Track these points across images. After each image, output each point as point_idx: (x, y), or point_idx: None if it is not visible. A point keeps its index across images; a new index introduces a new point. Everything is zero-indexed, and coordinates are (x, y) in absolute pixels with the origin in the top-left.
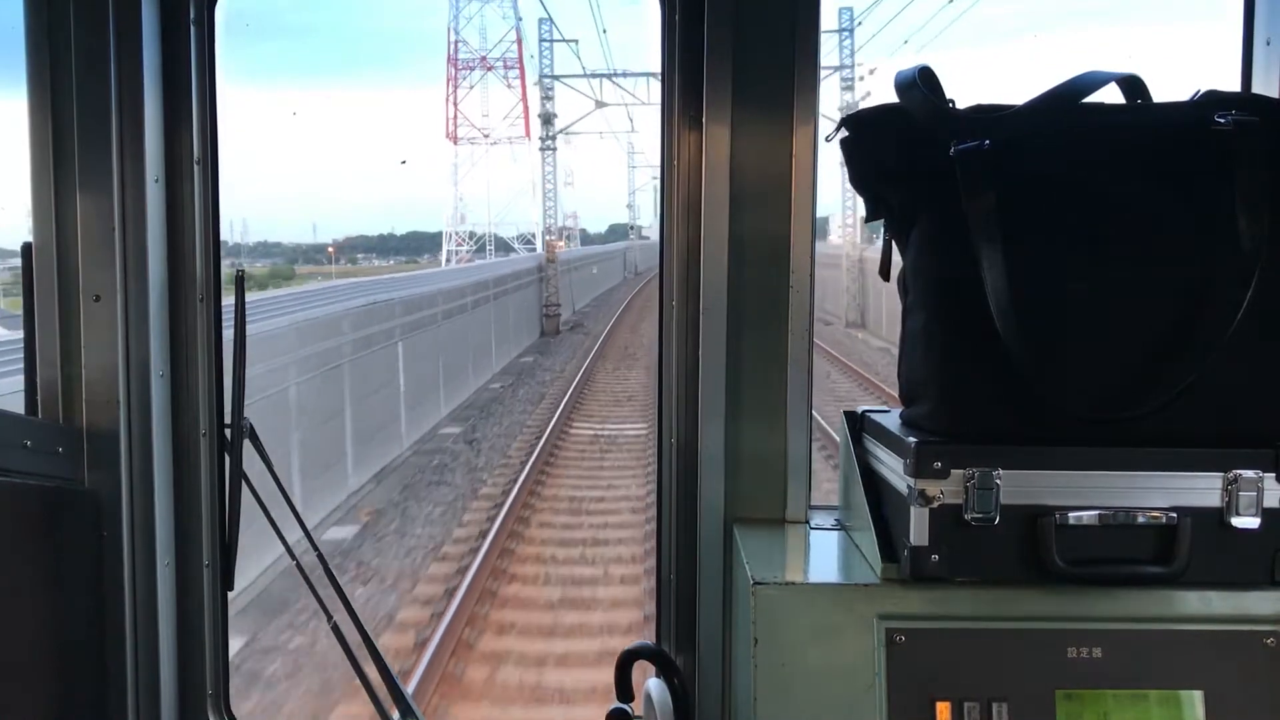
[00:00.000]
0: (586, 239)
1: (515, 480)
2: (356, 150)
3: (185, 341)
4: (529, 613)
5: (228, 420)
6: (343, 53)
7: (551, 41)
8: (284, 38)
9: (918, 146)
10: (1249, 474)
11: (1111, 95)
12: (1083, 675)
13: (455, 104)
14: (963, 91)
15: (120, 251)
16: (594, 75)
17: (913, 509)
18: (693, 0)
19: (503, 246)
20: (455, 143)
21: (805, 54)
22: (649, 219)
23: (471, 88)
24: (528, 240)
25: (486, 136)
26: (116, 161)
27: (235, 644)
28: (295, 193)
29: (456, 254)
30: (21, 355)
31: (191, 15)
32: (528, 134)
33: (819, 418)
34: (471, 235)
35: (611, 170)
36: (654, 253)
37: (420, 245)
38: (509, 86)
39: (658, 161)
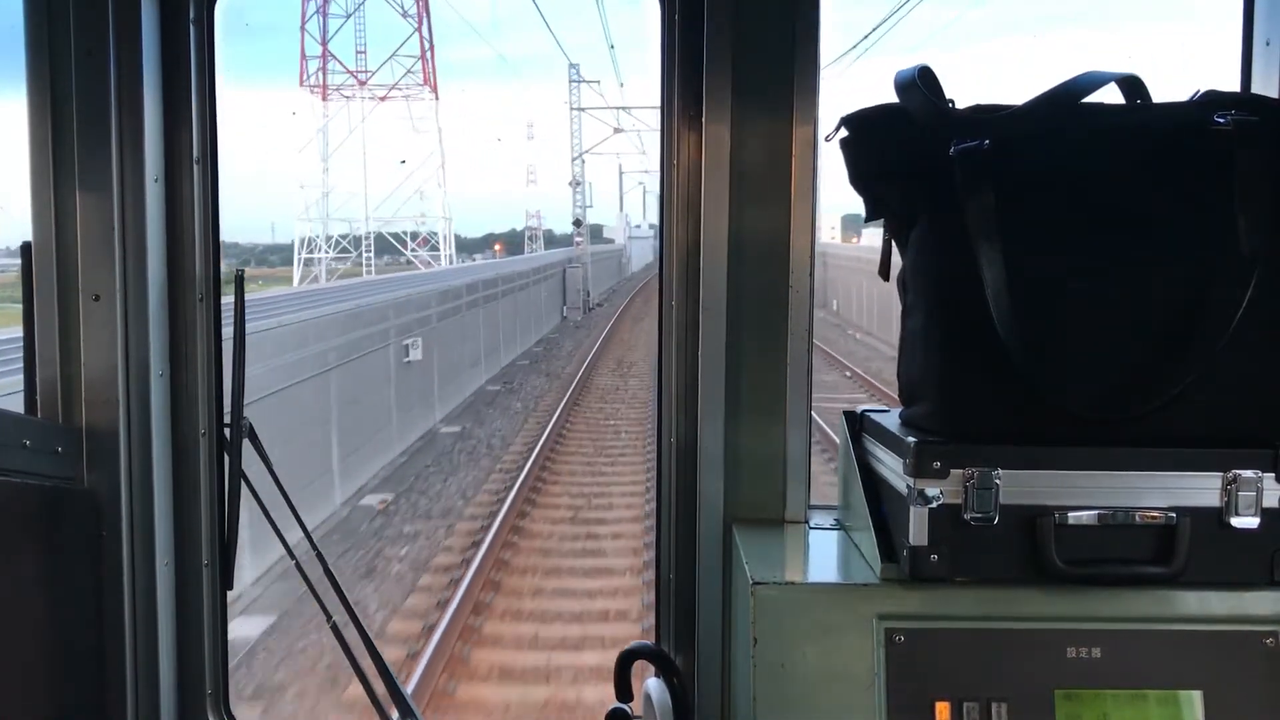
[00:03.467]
0: (552, 240)
1: None
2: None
3: (185, 341)
4: None
5: (227, 420)
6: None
7: None
8: (265, 37)
9: (917, 146)
10: (1248, 474)
11: (1111, 95)
12: (1082, 675)
13: (323, 40)
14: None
15: (120, 251)
16: None
17: (912, 509)
18: (693, 0)
19: (388, 250)
20: (324, 98)
21: (805, 53)
22: (612, 212)
23: (348, 16)
24: (431, 244)
25: (363, 84)
26: (116, 161)
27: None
28: (263, 193)
29: (325, 262)
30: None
31: (191, 15)
32: (429, 84)
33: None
34: (345, 238)
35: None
36: (617, 266)
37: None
38: (404, 16)
39: (622, 100)
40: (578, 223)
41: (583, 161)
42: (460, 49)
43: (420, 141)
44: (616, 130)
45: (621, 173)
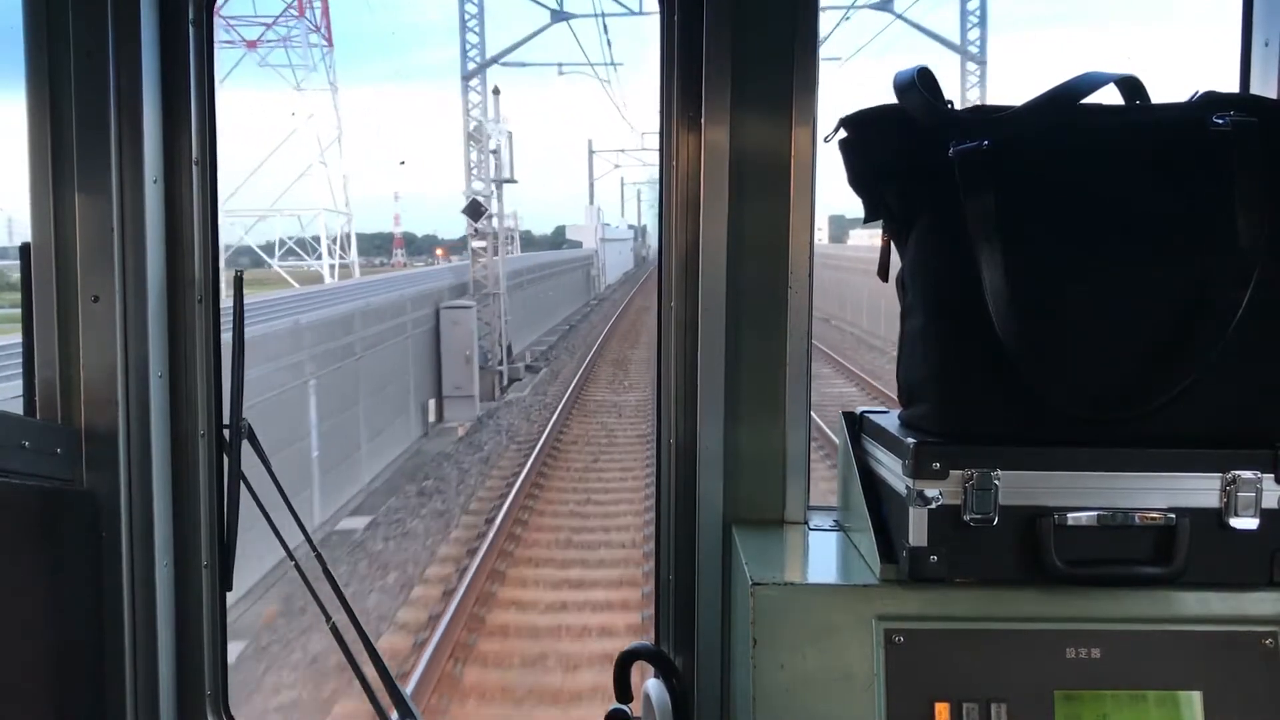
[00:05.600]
0: (530, 242)
1: None
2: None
3: (184, 342)
4: None
5: (226, 421)
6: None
7: None
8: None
9: (916, 147)
10: (1247, 474)
11: (1111, 96)
12: (1081, 676)
13: None
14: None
15: (119, 252)
16: None
17: (911, 510)
18: (692, 1)
19: (243, 254)
20: None
21: (804, 54)
22: (579, 207)
23: None
24: (313, 250)
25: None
26: (115, 162)
27: None
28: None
29: None
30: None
31: (190, 16)
32: (319, 29)
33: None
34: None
35: (562, 159)
36: (583, 281)
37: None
38: None
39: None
40: (475, 209)
41: (491, 91)
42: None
43: (302, 106)
44: (557, 15)
45: (592, 151)
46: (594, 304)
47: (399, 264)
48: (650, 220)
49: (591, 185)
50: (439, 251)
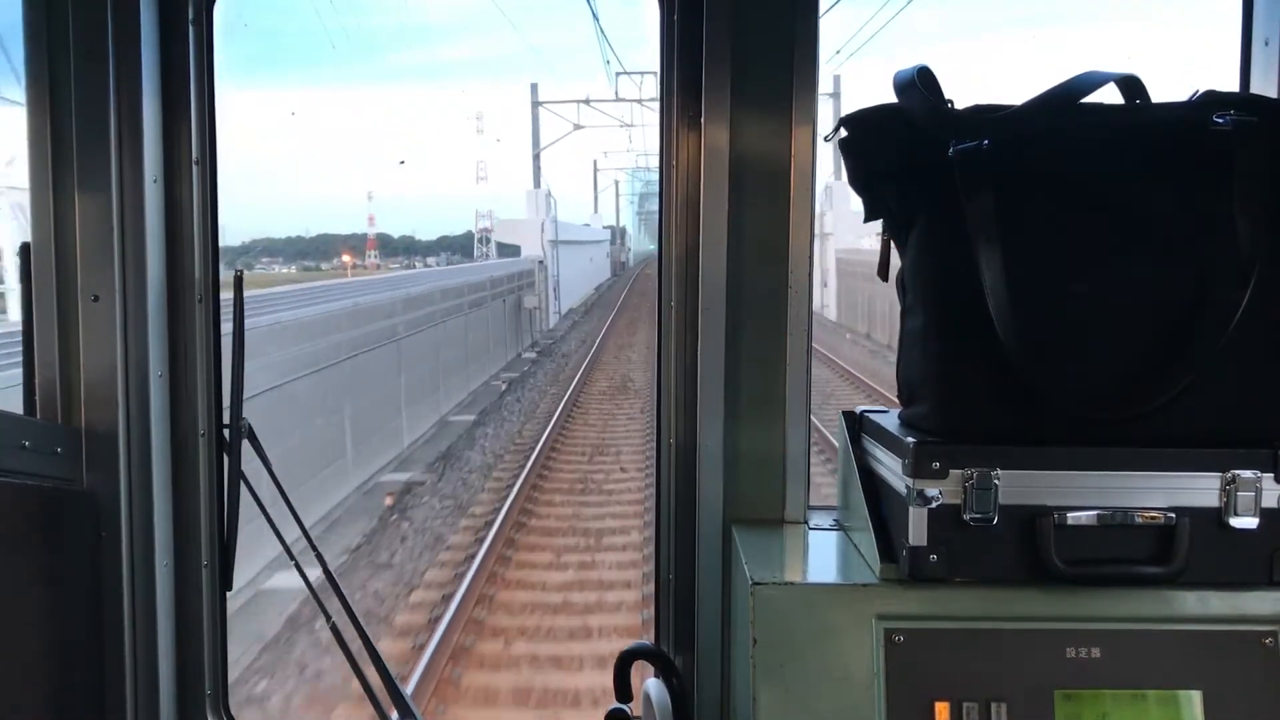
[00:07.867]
0: (507, 250)
1: None
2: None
3: (184, 342)
4: None
5: (226, 421)
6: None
7: None
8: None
9: (916, 146)
10: (1247, 474)
11: (1111, 96)
12: (1081, 675)
13: None
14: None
15: (119, 252)
16: None
17: (911, 509)
18: (692, 1)
19: None
20: None
21: (804, 53)
22: (519, 193)
23: None
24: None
25: None
26: (115, 162)
27: None
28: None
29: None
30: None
31: (190, 15)
32: None
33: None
34: None
35: (553, 159)
36: (509, 323)
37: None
38: None
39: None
40: None
41: None
42: (465, 46)
43: None
44: None
45: (537, 104)
46: (521, 376)
47: (372, 265)
48: (629, 219)
49: (537, 159)
50: (345, 257)
